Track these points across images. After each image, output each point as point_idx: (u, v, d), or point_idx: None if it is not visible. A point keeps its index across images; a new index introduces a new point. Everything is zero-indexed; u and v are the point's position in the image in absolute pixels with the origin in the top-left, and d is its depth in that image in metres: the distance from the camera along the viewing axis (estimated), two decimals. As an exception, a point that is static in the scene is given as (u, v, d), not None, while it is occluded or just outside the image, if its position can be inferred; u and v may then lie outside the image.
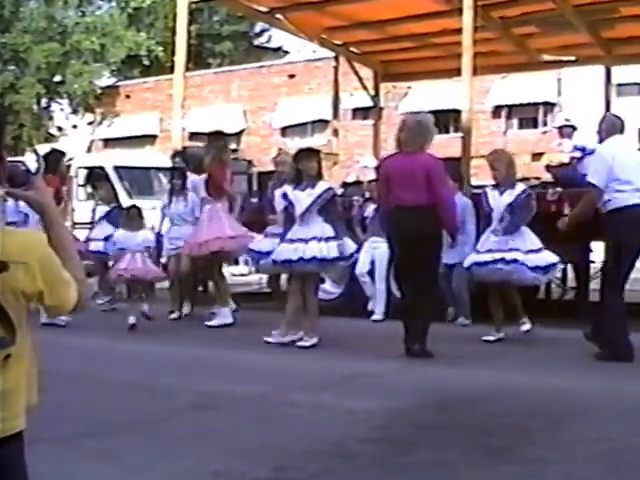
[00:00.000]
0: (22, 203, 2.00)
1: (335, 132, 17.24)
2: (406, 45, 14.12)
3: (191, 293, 9.73)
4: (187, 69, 12.38)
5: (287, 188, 7.69)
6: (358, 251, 8.36)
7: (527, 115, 26.10)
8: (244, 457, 3.87)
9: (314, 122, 27.18)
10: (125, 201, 12.50)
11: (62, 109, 29.78)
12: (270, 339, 7.44)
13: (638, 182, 6.48)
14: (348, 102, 22.51)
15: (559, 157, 10.92)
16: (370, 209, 9.67)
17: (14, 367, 1.75)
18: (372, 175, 11.72)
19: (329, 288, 10.11)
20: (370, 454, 3.91)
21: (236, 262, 13.44)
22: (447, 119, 22.52)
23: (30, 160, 12.77)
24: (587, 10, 11.84)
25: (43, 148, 21.93)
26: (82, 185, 15.80)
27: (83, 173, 16.07)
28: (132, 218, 8.84)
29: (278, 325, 7.64)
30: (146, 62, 29.22)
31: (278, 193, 8.10)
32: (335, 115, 16.85)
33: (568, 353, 6.91)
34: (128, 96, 31.84)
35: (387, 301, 9.25)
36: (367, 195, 10.28)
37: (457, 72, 10.77)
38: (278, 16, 13.18)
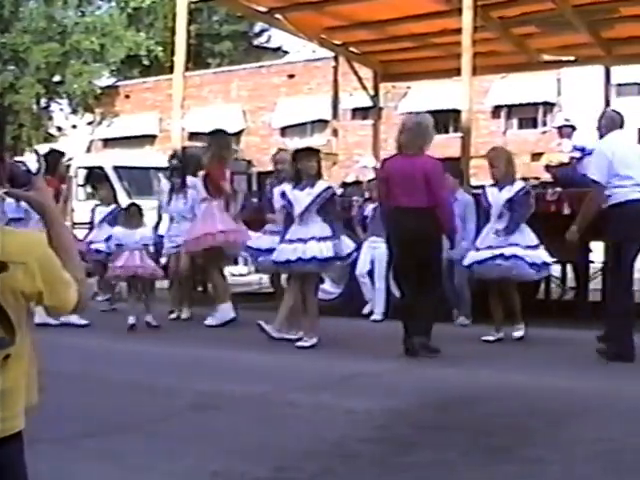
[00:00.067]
0: (23, 203, 2.00)
1: (334, 132, 17.25)
2: (406, 45, 14.12)
3: (190, 295, 9.71)
4: (186, 69, 12.38)
5: (286, 187, 7.69)
6: (357, 251, 8.36)
7: (527, 115, 26.11)
8: (244, 457, 3.87)
9: (313, 122, 27.19)
10: (124, 201, 12.48)
11: (61, 109, 29.79)
12: (264, 325, 7.49)
13: (638, 177, 6.47)
14: (347, 102, 22.52)
15: (558, 157, 10.92)
16: (369, 209, 9.67)
17: (13, 367, 1.75)
18: (371, 175, 11.73)
19: (329, 288, 10.11)
20: (370, 454, 3.91)
21: (235, 262, 13.43)
22: (446, 119, 22.54)
23: (30, 160, 12.77)
24: (587, 10, 11.83)
25: (42, 148, 21.95)
26: (81, 185, 15.78)
27: (82, 173, 16.05)
28: (132, 216, 8.84)
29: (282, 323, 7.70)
30: (146, 62, 29.22)
31: (277, 191, 8.11)
32: (334, 115, 16.84)
33: (568, 353, 6.92)
34: (127, 96, 31.85)
35: (386, 301, 9.26)
36: (366, 195, 10.28)
37: (457, 72, 10.77)
38: (277, 16, 13.18)
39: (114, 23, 28.08)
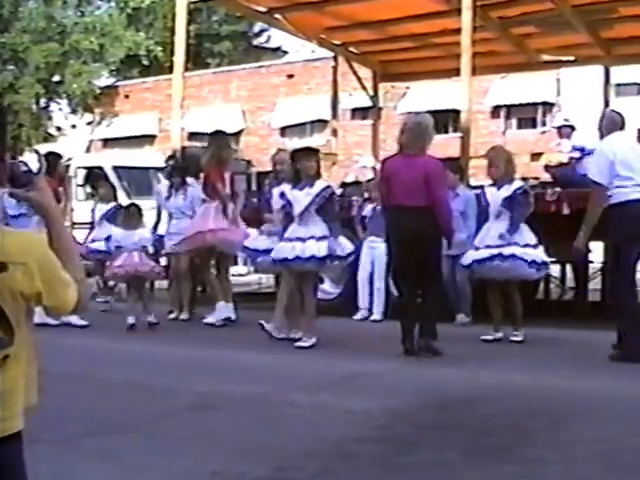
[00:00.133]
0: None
1: (334, 132, 17.26)
2: (405, 45, 14.12)
3: (191, 295, 9.71)
4: (186, 69, 12.39)
5: (285, 187, 7.68)
6: (357, 251, 8.36)
7: (526, 115, 26.12)
8: (243, 457, 3.86)
9: (313, 122, 27.20)
10: (124, 201, 12.49)
11: (61, 109, 29.76)
12: (265, 324, 7.50)
13: (639, 178, 6.47)
14: (347, 102, 22.54)
15: (558, 157, 10.92)
16: (368, 209, 9.68)
17: (12, 368, 1.75)
18: (370, 175, 11.74)
19: (328, 288, 10.12)
20: (370, 454, 3.91)
21: (235, 262, 13.43)
22: (446, 119, 22.54)
23: (31, 160, 12.76)
24: (586, 10, 11.84)
25: (42, 148, 21.96)
26: (81, 185, 15.78)
27: (82, 173, 16.05)
28: (131, 216, 8.84)
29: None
30: (145, 62, 29.19)
31: (276, 192, 8.09)
32: (334, 115, 16.85)
33: (567, 353, 6.92)
34: (127, 96, 31.85)
35: (386, 301, 9.26)
36: (366, 195, 10.29)
37: (456, 72, 10.78)
38: (277, 16, 13.18)
39: (113, 23, 28.05)
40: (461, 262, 7.99)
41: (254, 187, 13.70)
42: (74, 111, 29.50)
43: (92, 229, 10.75)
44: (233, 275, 13.46)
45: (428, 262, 6.89)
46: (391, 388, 5.54)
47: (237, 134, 28.17)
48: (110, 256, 9.28)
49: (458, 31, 10.53)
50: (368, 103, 16.54)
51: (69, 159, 15.62)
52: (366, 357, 6.82)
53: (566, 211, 8.78)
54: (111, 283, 10.67)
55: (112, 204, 10.69)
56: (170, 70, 14.09)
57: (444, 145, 15.17)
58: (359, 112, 25.09)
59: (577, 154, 10.21)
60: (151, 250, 8.96)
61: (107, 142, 31.02)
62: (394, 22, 12.91)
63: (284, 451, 3.95)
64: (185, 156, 11.05)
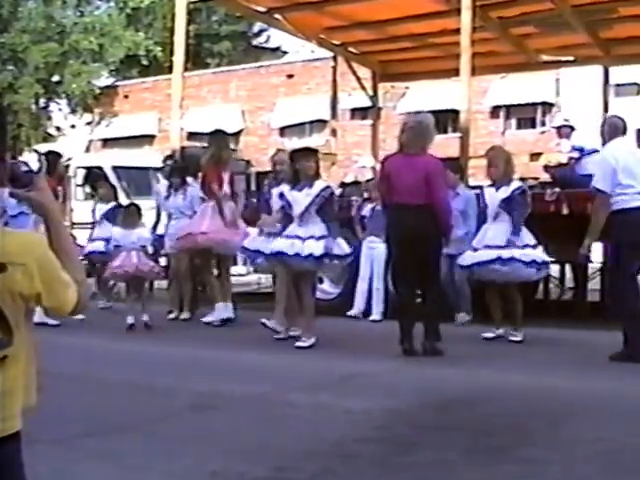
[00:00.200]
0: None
1: (333, 132, 17.25)
2: (404, 45, 14.12)
3: (191, 295, 9.70)
4: (185, 69, 12.39)
5: (284, 188, 7.66)
6: (355, 251, 8.35)
7: (525, 115, 26.14)
8: (243, 457, 3.86)
9: (312, 122, 27.21)
10: (123, 201, 12.50)
11: (60, 109, 29.77)
12: (267, 322, 7.49)
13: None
14: (346, 102, 22.54)
15: (557, 157, 10.92)
16: (368, 208, 9.68)
17: (11, 368, 1.75)
18: (370, 175, 11.74)
19: (327, 288, 10.12)
20: (370, 454, 3.91)
21: (235, 262, 13.43)
22: (445, 119, 22.54)
23: (31, 160, 12.77)
24: (585, 10, 11.84)
25: (41, 148, 21.94)
26: (80, 185, 15.79)
27: (81, 173, 16.06)
28: (130, 215, 8.84)
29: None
30: (144, 62, 29.20)
31: (275, 192, 8.08)
32: (333, 115, 16.86)
33: (567, 353, 6.92)
34: (126, 96, 31.86)
35: (385, 301, 9.27)
36: (365, 195, 10.29)
37: (455, 72, 10.78)
38: (276, 16, 13.18)
39: (113, 23, 28.07)
40: (459, 262, 7.99)
41: (253, 187, 13.71)
42: (73, 111, 29.52)
43: (93, 229, 10.75)
44: (233, 275, 13.47)
45: (428, 261, 6.88)
46: (391, 388, 5.54)
47: (236, 134, 28.18)
48: (109, 257, 9.28)
49: (457, 31, 10.53)
50: (367, 103, 16.54)
51: (68, 159, 15.62)
52: (366, 357, 6.82)
53: (565, 211, 8.78)
54: (110, 283, 10.66)
55: (112, 204, 10.69)
56: (169, 70, 14.09)
57: (443, 145, 15.16)
58: (358, 112, 25.10)
59: (576, 154, 10.21)
60: (150, 250, 8.96)
61: (106, 142, 31.02)
62: (393, 22, 12.91)
63: (284, 451, 3.95)
64: (185, 156, 11.05)
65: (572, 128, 10.87)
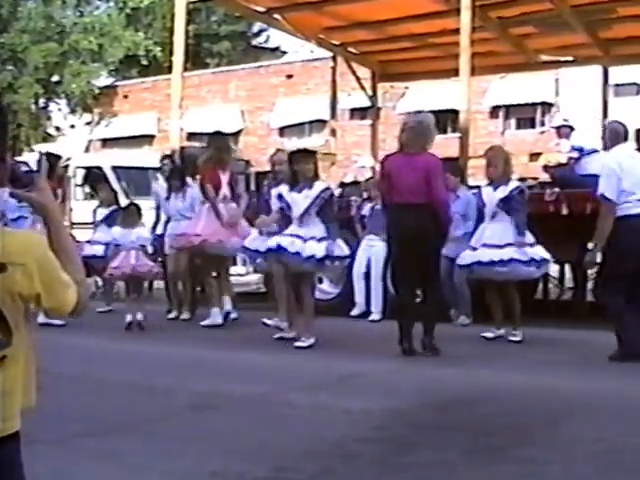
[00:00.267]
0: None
1: (333, 132, 17.23)
2: (404, 45, 14.12)
3: (191, 295, 9.70)
4: (185, 69, 12.39)
5: (283, 189, 7.62)
6: (354, 251, 8.35)
7: (525, 115, 26.12)
8: (243, 457, 3.86)
9: (312, 122, 27.20)
10: (123, 201, 12.49)
11: (60, 109, 29.79)
12: (268, 321, 7.49)
13: None
14: (346, 102, 22.53)
15: (557, 157, 10.92)
16: (367, 208, 9.68)
17: (10, 368, 1.75)
18: (369, 175, 11.74)
19: (327, 288, 10.12)
20: (370, 454, 3.91)
21: (234, 262, 13.43)
22: (445, 119, 22.52)
23: (31, 160, 12.77)
24: (585, 10, 11.84)
25: (40, 148, 21.95)
26: (80, 185, 15.78)
27: (81, 173, 16.04)
28: (130, 215, 8.85)
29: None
30: (144, 62, 29.21)
31: (274, 193, 8.05)
32: (333, 115, 16.83)
33: (566, 353, 6.92)
34: (126, 96, 31.84)
35: (384, 301, 9.27)
36: (364, 195, 10.29)
37: (455, 72, 10.78)
38: (276, 16, 13.18)
39: (112, 23, 28.07)
40: (458, 262, 7.98)
41: (253, 187, 13.70)
42: (73, 111, 29.53)
43: (94, 232, 10.75)
44: (232, 275, 13.47)
45: (428, 260, 6.86)
46: (390, 388, 5.54)
47: (236, 134, 28.17)
48: (107, 261, 9.27)
49: (457, 31, 10.53)
50: (367, 103, 16.54)
51: (68, 159, 15.61)
52: (365, 357, 6.82)
53: (565, 211, 8.78)
54: (110, 284, 10.66)
55: (112, 208, 10.67)
56: (169, 70, 14.09)
57: (443, 145, 15.15)
58: (358, 112, 25.08)
59: (576, 154, 10.20)
60: (150, 250, 8.97)
61: (106, 142, 31.00)
62: (393, 22, 12.90)
63: (284, 451, 3.95)
64: (184, 156, 11.04)
65: (571, 128, 10.86)
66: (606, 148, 6.89)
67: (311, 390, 5.43)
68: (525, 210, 7.69)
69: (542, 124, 25.27)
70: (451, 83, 14.14)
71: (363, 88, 15.53)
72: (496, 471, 3.67)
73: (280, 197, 7.57)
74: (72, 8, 29.11)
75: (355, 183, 12.94)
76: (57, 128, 29.75)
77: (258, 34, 37.13)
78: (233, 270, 13.89)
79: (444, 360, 6.56)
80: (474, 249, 7.69)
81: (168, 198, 9.68)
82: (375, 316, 9.28)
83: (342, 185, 13.53)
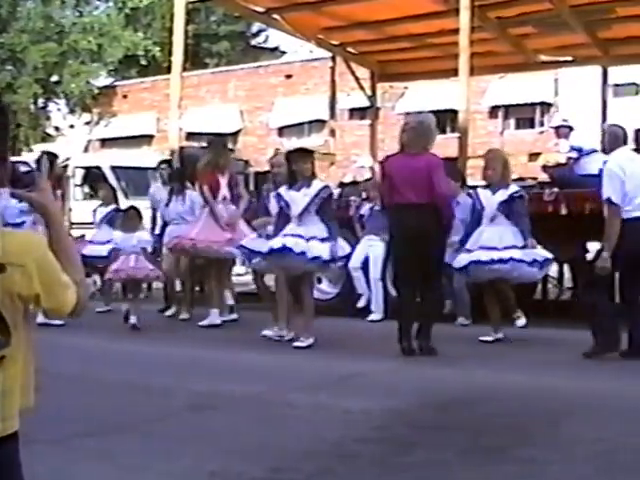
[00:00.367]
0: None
1: (332, 132, 17.23)
2: (403, 45, 14.12)
3: (190, 295, 9.70)
4: (184, 69, 12.39)
5: (281, 189, 7.58)
6: (352, 250, 8.34)
7: (524, 115, 26.11)
8: (242, 457, 3.86)
9: (311, 122, 27.20)
10: (122, 201, 12.50)
11: (59, 109, 29.77)
12: (268, 333, 7.44)
13: None
14: (345, 102, 22.53)
15: (556, 157, 10.93)
16: (366, 208, 9.68)
17: (9, 368, 1.75)
18: (368, 175, 11.73)
19: (326, 288, 10.12)
20: (369, 454, 3.90)
21: (233, 262, 13.43)
22: (444, 119, 22.49)
23: (30, 160, 12.77)
24: (584, 10, 11.84)
25: (40, 148, 21.93)
26: (79, 185, 15.79)
27: (80, 173, 16.05)
28: (130, 219, 8.84)
29: (274, 324, 7.67)
30: (143, 62, 29.20)
31: (273, 196, 8.00)
32: (332, 115, 16.84)
33: (566, 353, 6.91)
34: (125, 96, 31.82)
35: (384, 301, 9.27)
36: (363, 195, 10.29)
37: (454, 72, 10.79)
38: (275, 16, 13.18)
39: (112, 23, 28.06)
40: (455, 265, 7.90)
41: (252, 187, 13.70)
42: (72, 111, 29.51)
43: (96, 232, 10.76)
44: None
45: (430, 260, 6.85)
46: (390, 388, 5.54)
47: (235, 134, 28.18)
48: (109, 261, 9.27)
49: (456, 31, 10.54)
50: (366, 103, 16.53)
51: (67, 159, 15.62)
52: (365, 357, 6.82)
53: (564, 211, 8.78)
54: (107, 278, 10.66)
55: (112, 207, 10.67)
56: (168, 70, 14.09)
57: (442, 145, 15.13)
58: (357, 112, 25.08)
59: (575, 154, 10.20)
60: (150, 249, 8.95)
61: (105, 142, 30.99)
62: (392, 22, 12.91)
63: (283, 451, 3.94)
64: (183, 156, 11.04)
65: (570, 128, 10.87)
66: (605, 151, 6.89)
67: (311, 390, 5.43)
68: (527, 214, 7.68)
69: (541, 124, 25.27)
70: (450, 83, 14.14)
71: (362, 88, 15.53)
72: (496, 471, 3.67)
73: (278, 196, 7.53)
74: (71, 8, 29.09)
75: (354, 183, 12.93)
76: (56, 128, 29.74)
77: (257, 34, 37.13)
78: (233, 270, 13.90)
79: (444, 360, 6.56)
80: (469, 251, 7.63)
81: (168, 202, 9.67)
82: (375, 316, 9.28)
83: (341, 185, 13.52)
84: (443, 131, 22.78)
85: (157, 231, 9.94)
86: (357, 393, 5.35)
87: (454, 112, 14.05)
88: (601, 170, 6.88)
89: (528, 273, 7.57)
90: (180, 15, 12.00)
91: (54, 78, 28.34)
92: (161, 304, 10.07)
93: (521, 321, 7.55)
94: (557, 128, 11.27)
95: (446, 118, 22.42)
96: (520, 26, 12.79)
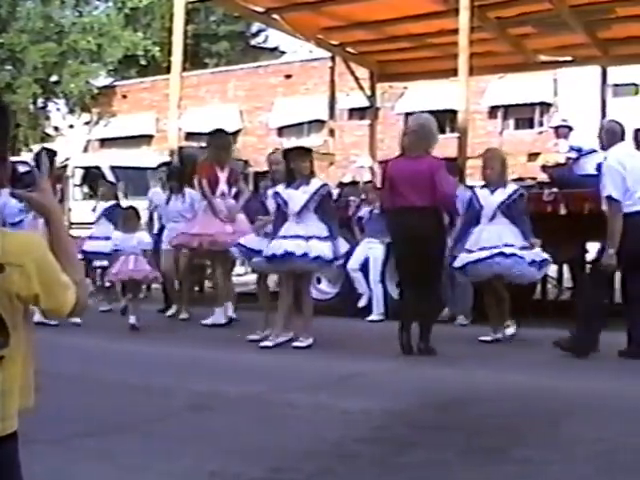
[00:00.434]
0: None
1: (331, 132, 17.22)
2: (402, 45, 14.12)
3: (188, 295, 9.70)
4: (184, 69, 12.39)
5: (279, 187, 7.55)
6: (352, 250, 8.33)
7: (523, 115, 26.12)
8: (242, 457, 3.85)
9: (310, 122, 27.21)
10: (122, 201, 12.49)
11: (59, 109, 29.76)
12: (268, 343, 7.31)
13: None
14: (344, 102, 22.53)
15: (555, 157, 10.94)
16: (365, 210, 9.68)
17: (8, 369, 1.75)
18: (368, 175, 11.74)
19: (325, 288, 10.12)
20: (369, 454, 3.90)
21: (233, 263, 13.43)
22: (443, 119, 22.45)
23: (31, 160, 12.77)
24: (583, 10, 11.84)
25: (37, 148, 21.92)
26: (78, 185, 15.78)
27: (79, 173, 16.04)
28: (129, 219, 8.84)
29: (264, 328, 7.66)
30: (143, 62, 29.20)
31: (271, 193, 7.97)
32: (331, 115, 16.84)
33: (566, 353, 6.91)
34: (125, 96, 31.83)
35: (384, 302, 9.27)
36: (362, 196, 10.28)
37: (453, 72, 10.79)
38: (274, 16, 13.18)
39: (111, 23, 28.05)
40: (453, 265, 7.87)
41: (251, 187, 13.68)
42: (72, 111, 29.50)
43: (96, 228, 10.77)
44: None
45: (431, 261, 6.85)
46: (390, 388, 5.54)
47: (235, 134, 28.14)
48: (110, 258, 9.28)
49: (455, 31, 10.53)
50: (365, 103, 16.54)
51: (67, 159, 15.61)
52: (365, 357, 6.82)
53: (563, 211, 8.79)
54: (107, 284, 10.67)
55: (111, 202, 10.68)
56: (168, 70, 14.09)
57: (441, 145, 15.12)
58: (356, 112, 25.10)
59: (574, 154, 10.21)
60: (150, 250, 8.96)
61: (104, 142, 31.00)
62: (392, 22, 12.91)
63: (283, 451, 3.94)
64: (182, 156, 11.04)
65: (570, 128, 10.88)
66: (603, 147, 6.89)
67: (311, 390, 5.43)
68: (527, 214, 7.68)
69: (540, 124, 25.29)
70: (449, 83, 14.16)
71: (362, 88, 15.54)
72: (495, 471, 3.67)
73: (276, 194, 7.47)
74: (71, 8, 29.08)
75: (354, 183, 12.96)
76: (56, 128, 29.72)
77: (257, 34, 37.14)
78: (233, 270, 13.89)
79: (444, 360, 6.56)
80: (470, 252, 7.61)
81: (168, 201, 9.67)
82: (375, 316, 9.28)
83: (341, 185, 13.54)
84: (442, 131, 22.70)
85: (155, 231, 9.93)
86: (357, 393, 5.35)
87: (453, 112, 14.06)
88: (599, 165, 6.88)
89: (528, 272, 7.56)
90: (180, 15, 12.00)
91: (53, 78, 28.34)
92: (161, 304, 10.08)
93: (510, 330, 7.54)
94: (556, 128, 11.27)
95: (445, 118, 22.40)
96: (520, 26, 12.79)
